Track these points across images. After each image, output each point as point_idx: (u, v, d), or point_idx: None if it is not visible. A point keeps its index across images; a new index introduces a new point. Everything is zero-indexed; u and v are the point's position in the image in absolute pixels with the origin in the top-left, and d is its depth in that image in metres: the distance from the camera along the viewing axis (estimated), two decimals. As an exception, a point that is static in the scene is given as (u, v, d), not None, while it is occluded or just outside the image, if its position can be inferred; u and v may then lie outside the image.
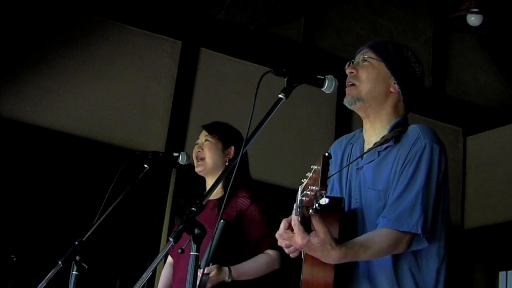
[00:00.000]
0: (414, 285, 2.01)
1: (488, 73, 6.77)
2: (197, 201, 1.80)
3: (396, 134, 2.09)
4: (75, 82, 5.02)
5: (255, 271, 2.96)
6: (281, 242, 1.93)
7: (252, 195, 3.05)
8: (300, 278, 1.97)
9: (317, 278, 1.91)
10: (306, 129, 5.82)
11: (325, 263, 1.87)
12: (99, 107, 5.07)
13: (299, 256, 2.03)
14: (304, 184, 1.73)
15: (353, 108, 2.18)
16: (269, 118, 1.89)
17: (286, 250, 2.00)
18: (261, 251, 3.00)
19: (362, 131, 2.25)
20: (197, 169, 3.17)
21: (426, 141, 2.04)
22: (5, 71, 4.83)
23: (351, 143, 2.27)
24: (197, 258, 1.77)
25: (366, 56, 2.20)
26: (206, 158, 3.15)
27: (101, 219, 2.85)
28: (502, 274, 6.23)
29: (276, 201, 3.70)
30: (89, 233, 2.84)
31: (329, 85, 1.99)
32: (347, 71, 2.21)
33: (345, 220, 1.99)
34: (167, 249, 1.78)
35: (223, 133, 3.20)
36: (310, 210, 1.68)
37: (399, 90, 2.17)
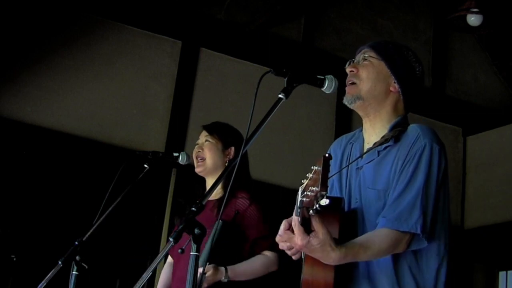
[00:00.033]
0: (415, 285, 2.01)
1: (488, 73, 6.77)
2: (197, 201, 1.80)
3: (396, 133, 2.09)
4: (75, 82, 5.02)
5: (251, 272, 2.95)
6: (282, 245, 1.93)
7: (251, 196, 3.05)
8: (299, 279, 1.97)
9: (317, 278, 1.91)
10: (306, 129, 5.82)
11: (325, 264, 1.87)
12: (99, 107, 5.07)
13: (300, 257, 2.03)
14: (304, 184, 1.73)
15: (353, 107, 2.18)
16: (269, 118, 1.89)
17: (288, 252, 1.99)
18: (258, 252, 2.99)
19: (362, 130, 2.25)
20: (197, 169, 3.17)
21: (426, 141, 2.04)
22: (5, 71, 4.83)
23: (350, 142, 2.26)
24: (197, 258, 1.77)
25: (366, 55, 2.20)
26: (206, 158, 3.15)
27: (101, 219, 2.85)
28: (502, 274, 6.23)
29: (276, 201, 3.70)
30: (89, 233, 2.84)
31: (329, 85, 1.99)
32: (347, 70, 2.21)
33: (345, 220, 1.99)
34: (167, 249, 1.79)
35: (223, 134, 3.20)
36: (311, 211, 1.68)
37: (399, 89, 2.17)
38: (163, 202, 5.10)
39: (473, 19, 5.11)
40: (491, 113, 6.54)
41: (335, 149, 2.31)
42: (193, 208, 1.78)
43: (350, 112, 5.13)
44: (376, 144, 2.10)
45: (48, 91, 4.92)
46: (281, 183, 5.45)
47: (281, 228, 1.87)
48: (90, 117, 5.02)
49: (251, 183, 3.15)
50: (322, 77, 1.99)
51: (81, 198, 4.70)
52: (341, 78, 2.09)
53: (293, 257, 2.03)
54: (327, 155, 1.65)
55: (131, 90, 5.20)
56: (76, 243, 2.80)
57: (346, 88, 2.17)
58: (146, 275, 1.84)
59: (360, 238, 1.93)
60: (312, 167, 1.70)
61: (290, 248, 1.95)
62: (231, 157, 3.15)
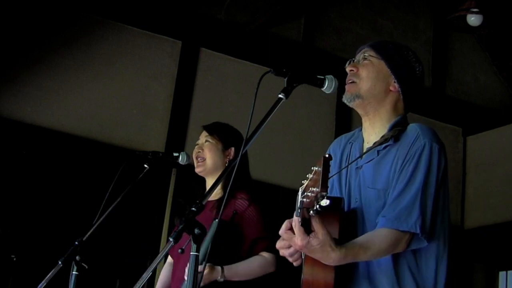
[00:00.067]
0: (414, 285, 2.01)
1: (488, 73, 6.77)
2: (197, 201, 1.80)
3: (396, 133, 2.09)
4: (75, 82, 5.02)
5: (248, 272, 2.95)
6: (283, 252, 1.93)
7: (251, 197, 3.05)
8: (299, 279, 1.97)
9: (318, 278, 1.91)
10: (306, 129, 5.82)
11: (325, 264, 1.87)
12: (99, 107, 5.07)
13: (301, 263, 2.02)
14: (304, 185, 1.73)
15: (352, 105, 2.18)
16: (269, 118, 1.89)
17: (290, 259, 1.99)
18: (256, 253, 2.99)
19: (361, 130, 2.25)
20: (197, 170, 3.17)
21: (425, 140, 2.04)
22: (5, 71, 4.83)
23: (350, 142, 2.27)
24: (197, 258, 1.77)
25: (366, 55, 2.20)
26: (207, 158, 3.15)
27: (101, 219, 2.85)
28: (502, 274, 6.23)
29: (276, 201, 3.70)
30: (89, 233, 2.84)
31: (329, 85, 1.99)
32: (347, 69, 2.21)
33: (345, 220, 1.99)
34: (167, 249, 1.79)
35: (224, 134, 3.20)
36: (311, 211, 1.68)
37: (399, 89, 2.17)
38: (163, 202, 5.10)
39: (473, 19, 5.11)
40: (491, 113, 6.54)
41: (334, 149, 2.31)
42: (193, 208, 1.78)
43: (350, 112, 5.12)
44: (376, 144, 2.10)
45: (48, 91, 4.92)
46: (281, 183, 5.45)
47: (283, 227, 1.87)
48: (90, 117, 5.02)
49: (251, 184, 3.15)
50: (322, 77, 1.99)
51: (81, 198, 4.70)
52: (341, 78, 2.09)
53: (294, 264, 2.02)
54: (327, 155, 1.65)
55: (131, 90, 5.20)
56: (76, 243, 2.80)
57: (346, 87, 2.17)
58: (146, 275, 1.84)
59: (360, 239, 1.93)
60: (312, 168, 1.70)
61: (292, 255, 1.95)
62: (231, 157, 3.15)
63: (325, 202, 1.62)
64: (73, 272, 2.80)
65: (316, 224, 1.77)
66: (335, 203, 1.94)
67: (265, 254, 2.98)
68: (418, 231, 1.93)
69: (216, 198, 3.07)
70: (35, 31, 4.93)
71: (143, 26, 5.30)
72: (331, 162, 1.67)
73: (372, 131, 2.18)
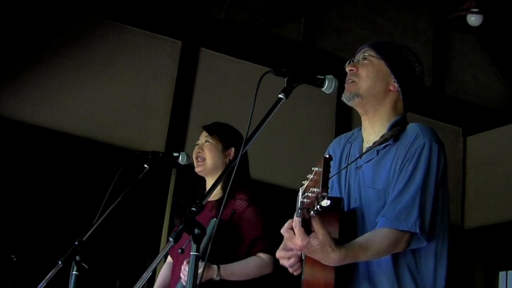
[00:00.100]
0: (414, 285, 2.01)
1: (488, 73, 6.77)
2: (197, 201, 1.80)
3: (395, 132, 2.09)
4: (75, 82, 5.02)
5: (244, 273, 2.94)
6: (283, 262, 1.94)
7: (250, 197, 3.04)
8: (299, 280, 1.97)
9: (318, 278, 1.91)
10: (306, 129, 5.82)
11: (325, 264, 1.87)
12: (99, 107, 5.07)
13: (301, 273, 2.03)
14: (305, 186, 1.73)
15: (351, 104, 2.18)
16: (269, 118, 1.89)
17: (290, 270, 2.00)
18: (254, 253, 2.98)
19: (360, 129, 2.25)
20: (197, 170, 3.17)
21: (425, 140, 2.04)
22: (5, 71, 4.83)
23: (349, 142, 2.27)
24: (197, 258, 1.78)
25: (366, 55, 2.20)
26: (207, 158, 3.14)
27: (101, 219, 2.85)
28: (502, 274, 6.23)
29: (276, 201, 3.70)
30: (89, 233, 2.84)
31: (329, 85, 1.99)
32: (347, 69, 2.21)
33: (345, 220, 1.99)
34: (167, 249, 1.79)
35: (224, 134, 3.20)
36: (311, 212, 1.68)
37: (399, 88, 2.17)
38: (163, 202, 5.10)
39: (473, 19, 5.11)
40: (491, 113, 6.54)
41: (334, 148, 2.31)
42: (193, 208, 1.78)
43: (350, 112, 5.12)
44: (376, 144, 2.10)
45: (48, 91, 4.92)
46: (281, 183, 5.45)
47: (285, 226, 1.87)
48: (90, 117, 5.02)
49: (251, 184, 3.14)
50: (322, 77, 1.99)
51: (81, 198, 4.70)
52: (341, 78, 2.09)
53: (294, 273, 2.02)
54: (327, 156, 1.65)
55: (131, 90, 5.20)
56: (76, 243, 2.80)
57: (345, 86, 2.18)
58: (146, 275, 1.84)
59: (360, 239, 1.93)
60: (312, 168, 1.70)
61: (292, 266, 1.96)
62: (231, 157, 3.15)
63: (325, 203, 1.62)
64: (73, 272, 2.80)
65: (316, 225, 1.77)
66: (335, 203, 1.95)
67: (262, 255, 2.97)
68: (417, 230, 1.93)
69: (216, 198, 3.07)
70: (35, 31, 4.93)
71: (143, 26, 5.30)
72: (331, 163, 1.67)
73: (372, 130, 2.18)
